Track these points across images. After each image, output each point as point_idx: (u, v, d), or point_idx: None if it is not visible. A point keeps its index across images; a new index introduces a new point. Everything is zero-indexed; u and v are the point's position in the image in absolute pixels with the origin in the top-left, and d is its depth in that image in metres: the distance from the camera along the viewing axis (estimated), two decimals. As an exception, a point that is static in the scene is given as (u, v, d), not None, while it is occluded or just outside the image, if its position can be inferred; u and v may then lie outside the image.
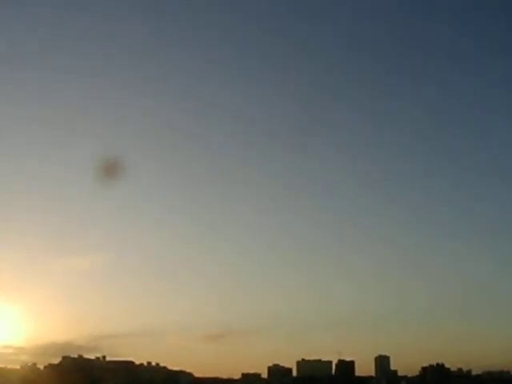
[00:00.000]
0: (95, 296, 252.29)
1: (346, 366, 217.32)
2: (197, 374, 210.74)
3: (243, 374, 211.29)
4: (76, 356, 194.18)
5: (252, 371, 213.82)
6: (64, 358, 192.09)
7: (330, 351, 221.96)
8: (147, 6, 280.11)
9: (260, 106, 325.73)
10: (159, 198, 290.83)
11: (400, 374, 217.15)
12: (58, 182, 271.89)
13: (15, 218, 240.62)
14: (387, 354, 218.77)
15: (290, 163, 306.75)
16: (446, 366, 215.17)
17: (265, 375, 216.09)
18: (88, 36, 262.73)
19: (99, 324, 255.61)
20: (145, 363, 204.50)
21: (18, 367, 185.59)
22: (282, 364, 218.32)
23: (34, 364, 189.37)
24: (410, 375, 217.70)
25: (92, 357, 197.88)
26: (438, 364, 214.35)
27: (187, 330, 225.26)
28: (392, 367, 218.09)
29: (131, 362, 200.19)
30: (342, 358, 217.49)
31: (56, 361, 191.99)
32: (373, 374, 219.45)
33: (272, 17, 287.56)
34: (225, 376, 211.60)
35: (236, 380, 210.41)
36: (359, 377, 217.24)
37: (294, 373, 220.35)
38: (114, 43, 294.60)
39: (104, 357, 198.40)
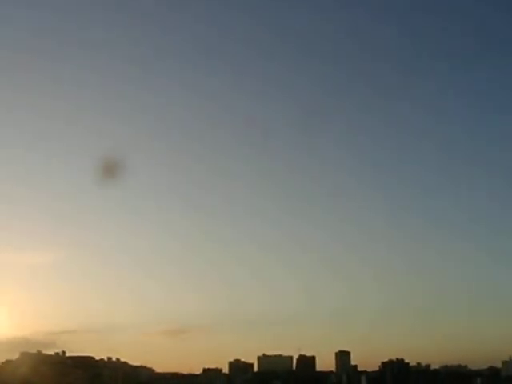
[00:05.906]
0: (55, 291, 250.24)
1: (307, 362, 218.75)
2: (157, 370, 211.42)
3: (204, 370, 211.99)
4: (35, 352, 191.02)
5: (213, 366, 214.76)
6: (22, 354, 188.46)
7: (291, 346, 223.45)
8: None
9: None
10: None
11: (360, 369, 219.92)
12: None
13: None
14: (348, 350, 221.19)
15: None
16: (406, 360, 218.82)
17: (226, 370, 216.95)
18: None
19: (58, 319, 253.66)
20: (105, 359, 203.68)
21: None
22: (242, 359, 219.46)
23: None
24: (370, 370, 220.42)
25: (51, 352, 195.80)
26: (397, 359, 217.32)
27: (148, 326, 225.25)
28: (352, 362, 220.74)
29: (91, 358, 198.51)
30: (302, 353, 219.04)
31: (14, 357, 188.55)
32: (333, 369, 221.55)
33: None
34: (185, 371, 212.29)
35: (197, 375, 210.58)
36: (320, 372, 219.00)
37: (255, 368, 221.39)
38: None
39: (64, 352, 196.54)
